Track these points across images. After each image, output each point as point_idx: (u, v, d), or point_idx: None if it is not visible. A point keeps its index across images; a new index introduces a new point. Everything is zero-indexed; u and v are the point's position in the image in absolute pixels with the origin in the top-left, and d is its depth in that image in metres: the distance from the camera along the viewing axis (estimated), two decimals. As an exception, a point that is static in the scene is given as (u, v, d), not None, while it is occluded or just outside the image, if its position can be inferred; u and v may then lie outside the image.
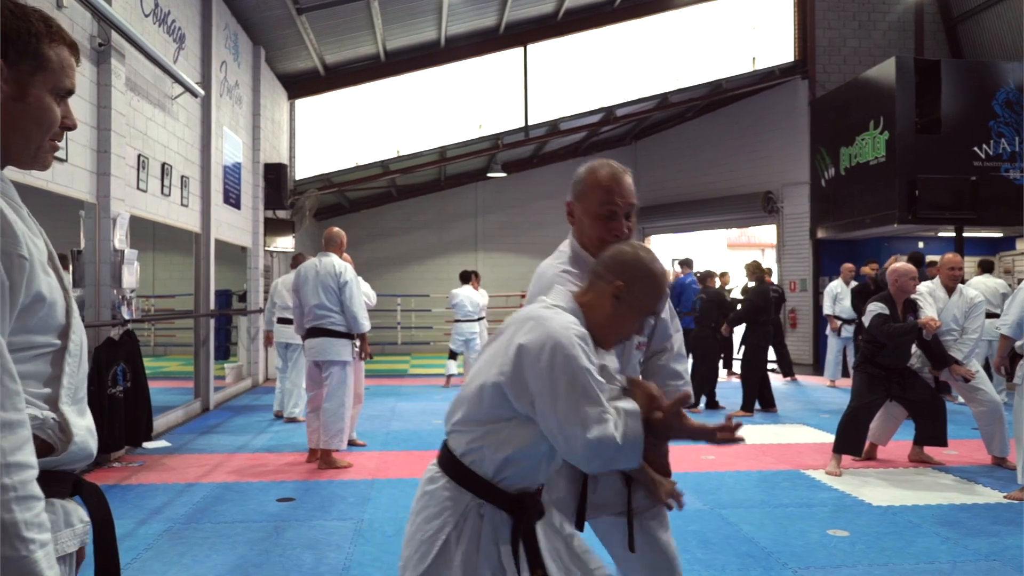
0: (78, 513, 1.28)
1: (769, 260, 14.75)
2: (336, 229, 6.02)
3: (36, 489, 1.08)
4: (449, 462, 1.84)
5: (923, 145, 10.79)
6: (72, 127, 1.32)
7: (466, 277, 10.98)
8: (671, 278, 10.55)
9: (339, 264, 5.75)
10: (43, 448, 1.19)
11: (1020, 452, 4.85)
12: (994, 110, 10.85)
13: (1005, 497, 4.87)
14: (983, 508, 4.65)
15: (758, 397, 8.30)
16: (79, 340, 1.29)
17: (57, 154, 5.14)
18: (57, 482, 1.22)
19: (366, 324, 5.81)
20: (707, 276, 9.12)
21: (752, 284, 8.55)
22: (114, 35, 5.91)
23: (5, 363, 1.08)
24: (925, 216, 10.51)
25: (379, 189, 15.95)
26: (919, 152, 10.73)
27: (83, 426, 1.27)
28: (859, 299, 8.54)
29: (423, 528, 1.75)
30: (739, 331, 8.62)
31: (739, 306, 8.84)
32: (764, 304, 8.29)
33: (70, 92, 1.29)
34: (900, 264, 5.59)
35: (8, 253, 1.14)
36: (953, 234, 10.95)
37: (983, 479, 5.36)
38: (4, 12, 1.20)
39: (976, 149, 10.77)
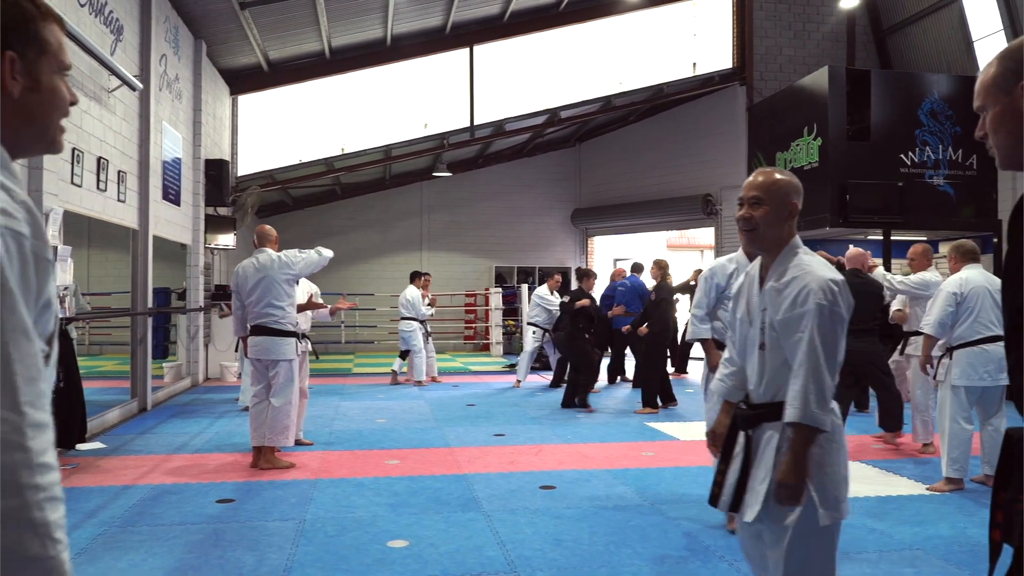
0: None
1: (708, 261, 15.08)
2: (267, 226, 6.05)
3: (61, 491, 1.08)
4: None
5: (853, 151, 11.20)
6: (76, 101, 1.28)
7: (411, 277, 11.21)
8: (617, 278, 10.75)
9: (275, 255, 5.77)
10: None
11: (944, 446, 5.11)
12: (919, 119, 11.33)
13: (928, 489, 5.11)
14: (907, 500, 4.87)
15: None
16: (56, 346, 1.26)
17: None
18: None
19: (325, 252, 5.92)
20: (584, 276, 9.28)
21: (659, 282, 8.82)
22: (47, 25, 5.73)
23: (38, 364, 1.06)
24: (855, 220, 10.91)
25: (323, 187, 15.78)
26: (850, 158, 11.13)
27: (52, 429, 1.24)
28: None
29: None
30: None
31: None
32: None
33: (69, 68, 1.25)
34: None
35: (39, 256, 1.09)
36: (881, 237, 11.39)
37: (907, 471, 5.61)
38: None
39: (903, 156, 11.23)
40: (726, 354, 2.54)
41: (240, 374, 8.33)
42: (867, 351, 6.12)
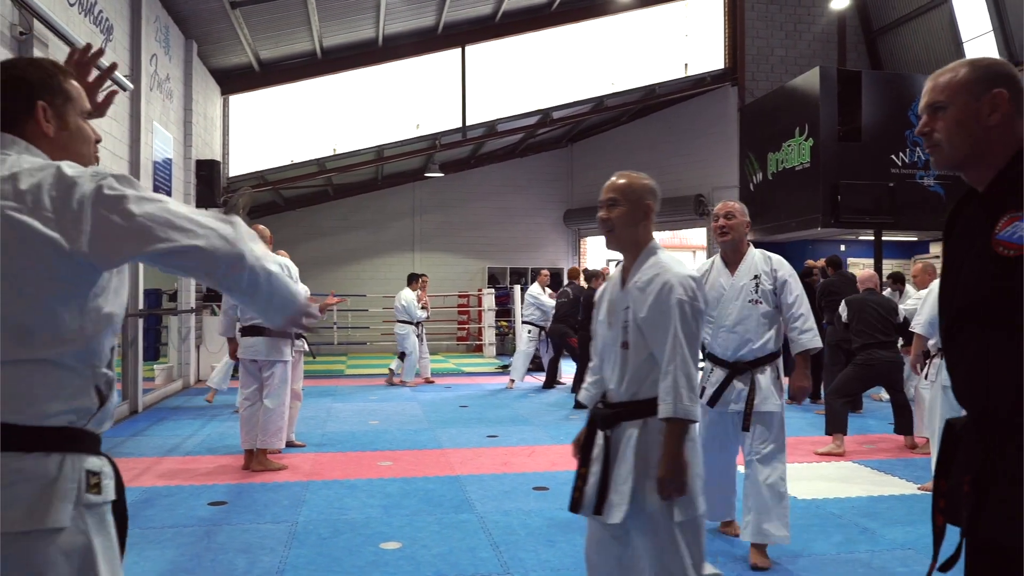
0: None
1: (700, 262, 15.25)
2: (261, 227, 6.01)
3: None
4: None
5: (845, 152, 11.24)
6: (100, 139, 1.64)
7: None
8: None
9: (285, 260, 5.81)
10: (100, 398, 1.46)
11: (934, 445, 5.12)
12: (910, 120, 11.38)
13: (919, 488, 5.13)
14: (899, 499, 4.89)
15: None
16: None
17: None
18: (96, 442, 1.49)
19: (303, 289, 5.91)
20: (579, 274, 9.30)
21: None
22: (36, 24, 5.70)
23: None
24: (847, 220, 10.95)
25: (315, 188, 15.74)
26: (841, 159, 11.17)
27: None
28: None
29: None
30: None
31: None
32: None
33: (89, 110, 1.61)
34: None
35: None
36: (873, 237, 11.43)
37: (899, 472, 5.63)
38: (25, 67, 1.51)
39: (893, 157, 11.28)
40: (592, 363, 2.58)
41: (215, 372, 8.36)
42: (894, 362, 6.42)
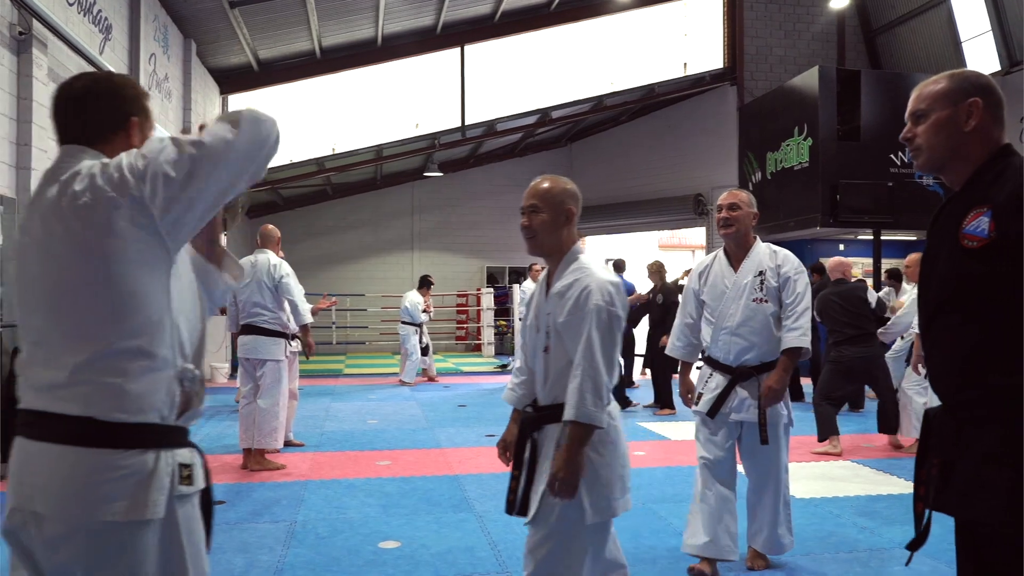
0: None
1: (699, 261, 15.25)
2: (271, 226, 5.98)
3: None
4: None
5: (844, 151, 11.24)
6: None
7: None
8: None
9: (275, 260, 5.72)
10: (184, 393, 1.53)
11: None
12: (909, 119, 11.37)
13: (917, 488, 5.13)
14: (898, 498, 4.88)
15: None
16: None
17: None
18: (185, 434, 1.57)
19: (307, 317, 5.79)
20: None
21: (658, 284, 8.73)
22: (36, 24, 5.70)
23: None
24: (845, 219, 10.95)
25: (314, 187, 15.73)
26: (840, 158, 11.17)
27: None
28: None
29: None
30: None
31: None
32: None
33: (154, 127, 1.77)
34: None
35: None
36: (872, 237, 11.44)
37: (897, 471, 5.63)
38: (122, 84, 1.68)
39: (892, 156, 11.28)
40: (516, 363, 2.60)
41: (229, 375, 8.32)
42: (865, 357, 6.20)
